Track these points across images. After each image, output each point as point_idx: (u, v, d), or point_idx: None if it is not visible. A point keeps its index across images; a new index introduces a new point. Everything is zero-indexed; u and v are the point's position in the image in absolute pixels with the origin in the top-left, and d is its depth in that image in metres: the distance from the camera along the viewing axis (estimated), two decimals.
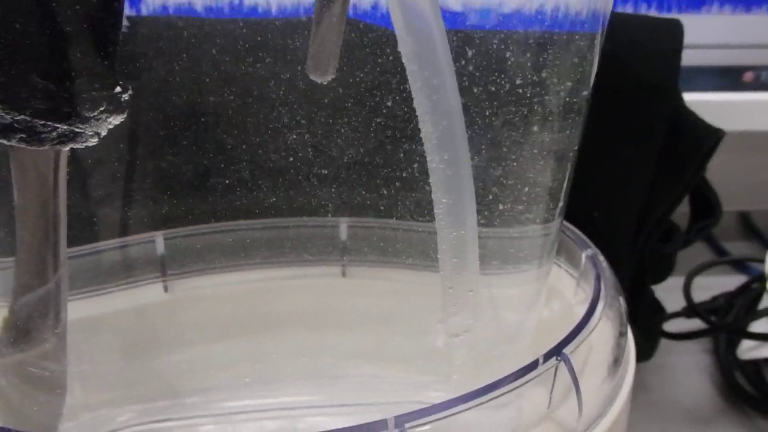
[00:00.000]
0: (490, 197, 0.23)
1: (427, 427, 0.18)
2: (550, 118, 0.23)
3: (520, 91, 0.22)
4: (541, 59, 0.21)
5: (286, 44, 0.24)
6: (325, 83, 0.22)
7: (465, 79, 0.21)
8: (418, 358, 0.29)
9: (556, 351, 0.21)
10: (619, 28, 0.29)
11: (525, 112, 0.22)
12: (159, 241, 0.28)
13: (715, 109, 0.36)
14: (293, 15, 0.24)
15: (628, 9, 0.46)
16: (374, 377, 0.30)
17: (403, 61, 0.17)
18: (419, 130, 0.23)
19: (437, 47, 0.16)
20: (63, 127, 0.18)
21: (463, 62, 0.20)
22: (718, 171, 0.38)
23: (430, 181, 0.18)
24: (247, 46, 0.24)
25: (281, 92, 0.25)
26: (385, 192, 0.26)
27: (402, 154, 0.25)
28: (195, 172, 0.26)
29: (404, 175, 0.25)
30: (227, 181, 0.26)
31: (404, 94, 0.24)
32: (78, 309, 0.24)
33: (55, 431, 0.24)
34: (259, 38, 0.24)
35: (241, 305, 0.29)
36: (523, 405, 0.22)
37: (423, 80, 0.16)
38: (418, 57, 0.16)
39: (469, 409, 0.19)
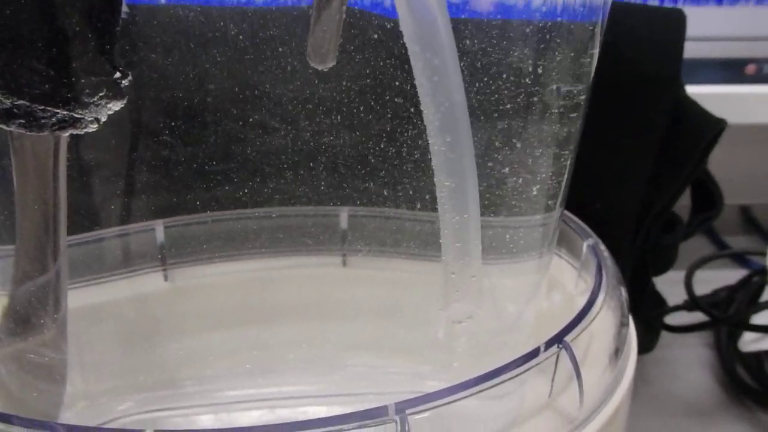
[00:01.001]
0: (491, 186, 0.23)
1: (427, 413, 0.18)
2: (550, 108, 0.22)
3: (520, 80, 0.22)
4: (541, 48, 0.21)
5: (286, 33, 0.24)
6: (326, 71, 0.22)
7: (464, 68, 0.20)
8: (418, 349, 0.29)
9: (558, 339, 0.21)
10: (620, 17, 0.29)
11: (525, 102, 0.22)
12: (159, 229, 0.28)
13: (717, 102, 0.36)
14: (294, 4, 0.24)
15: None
16: (374, 367, 0.30)
17: (405, 41, 0.17)
18: (421, 118, 0.23)
19: (439, 28, 0.16)
20: (62, 113, 0.18)
21: (462, 51, 0.20)
22: (719, 164, 0.38)
23: (432, 164, 0.18)
24: (247, 35, 0.24)
25: (282, 81, 0.25)
26: (385, 181, 0.26)
27: (403, 143, 0.25)
28: (195, 160, 0.26)
29: (405, 164, 0.25)
30: (228, 170, 0.26)
31: (405, 83, 0.23)
32: (78, 298, 0.24)
33: (56, 419, 0.24)
34: (259, 27, 0.24)
35: (241, 294, 0.29)
36: (524, 393, 0.22)
37: (424, 61, 0.16)
38: (420, 38, 0.16)
39: (471, 396, 0.19)
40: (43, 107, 0.18)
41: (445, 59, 0.16)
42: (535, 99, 0.22)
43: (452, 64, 0.17)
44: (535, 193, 0.24)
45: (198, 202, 0.27)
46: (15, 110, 0.18)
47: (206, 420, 0.28)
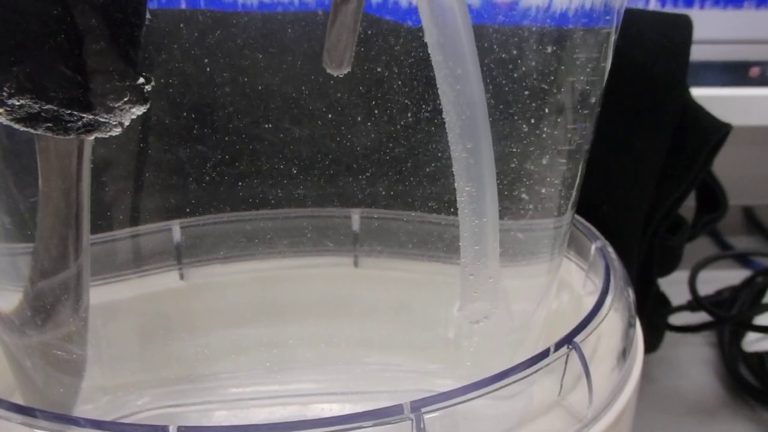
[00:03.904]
0: (505, 190, 0.23)
1: (442, 412, 0.19)
2: (566, 113, 0.23)
3: (536, 85, 0.22)
4: (556, 54, 0.22)
5: (302, 37, 0.25)
6: (341, 76, 0.22)
7: (482, 74, 0.21)
8: (427, 348, 0.30)
9: (568, 340, 0.22)
10: (628, 23, 0.29)
11: (541, 107, 0.22)
12: (176, 229, 0.28)
13: (721, 104, 0.36)
14: (310, 8, 0.25)
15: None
16: (384, 365, 0.30)
17: (429, 51, 0.17)
18: (434, 122, 0.24)
19: (462, 38, 0.16)
20: (88, 117, 0.19)
21: (479, 57, 0.21)
22: (722, 166, 0.38)
23: (453, 169, 0.18)
24: (263, 39, 0.25)
25: (297, 84, 0.25)
26: (396, 183, 0.26)
27: (415, 147, 0.25)
28: (211, 162, 0.26)
29: (417, 167, 0.26)
30: (243, 172, 0.27)
31: (416, 88, 0.24)
32: (98, 295, 0.25)
33: (71, 411, 0.24)
34: (275, 31, 0.25)
35: (254, 293, 0.29)
36: (534, 392, 0.22)
37: (447, 70, 0.17)
38: (443, 48, 0.16)
39: (484, 395, 0.19)
40: (69, 112, 0.18)
41: (468, 68, 0.17)
42: (551, 105, 0.22)
43: (474, 73, 0.17)
44: (548, 197, 0.24)
45: (213, 203, 0.27)
46: (43, 114, 0.18)
47: (221, 416, 0.28)
